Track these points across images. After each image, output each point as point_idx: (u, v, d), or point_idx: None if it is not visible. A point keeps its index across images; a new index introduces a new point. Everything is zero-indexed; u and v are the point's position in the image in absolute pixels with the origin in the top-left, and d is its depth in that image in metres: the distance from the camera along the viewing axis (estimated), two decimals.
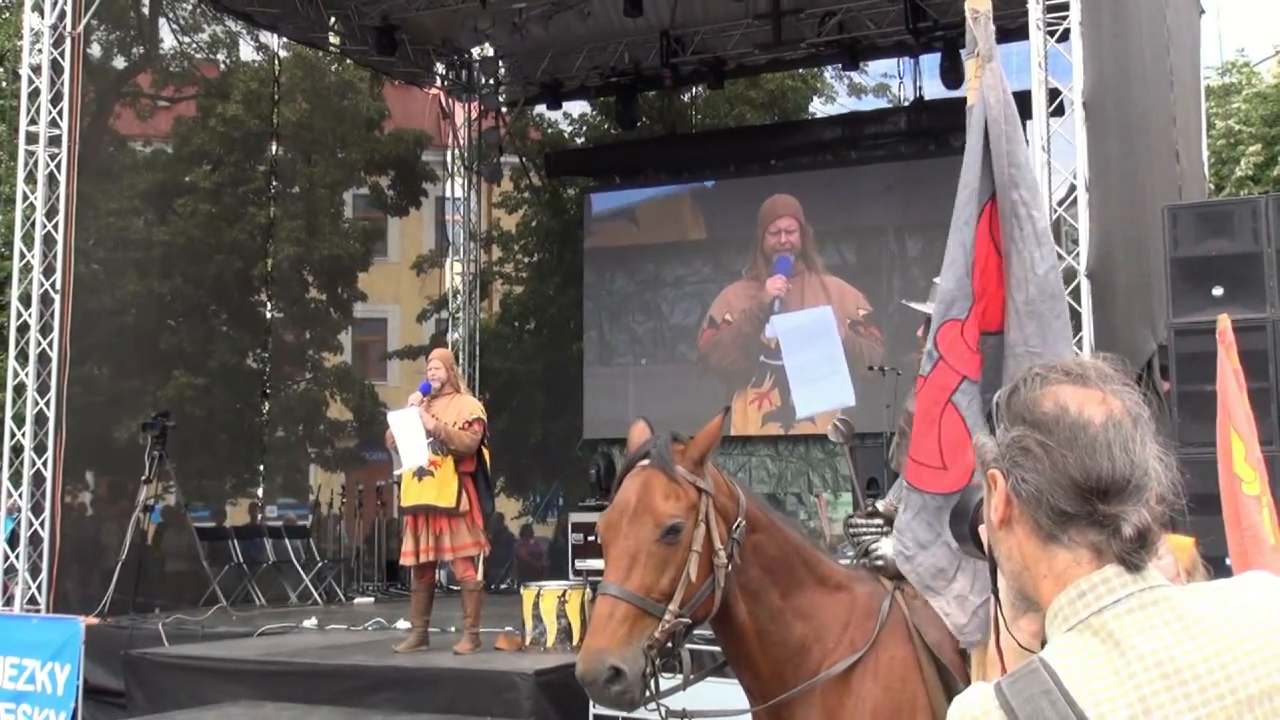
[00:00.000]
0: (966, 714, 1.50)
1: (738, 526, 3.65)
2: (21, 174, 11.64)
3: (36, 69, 11.64)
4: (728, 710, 4.12)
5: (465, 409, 8.65)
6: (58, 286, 11.35)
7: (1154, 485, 1.54)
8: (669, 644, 3.47)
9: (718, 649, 3.93)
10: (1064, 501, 1.53)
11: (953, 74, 14.85)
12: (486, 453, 8.83)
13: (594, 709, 7.00)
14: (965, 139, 2.97)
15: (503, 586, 14.88)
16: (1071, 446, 1.53)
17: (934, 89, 15.62)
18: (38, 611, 10.80)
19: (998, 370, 2.80)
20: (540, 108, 18.82)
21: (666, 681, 3.58)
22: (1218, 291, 7.58)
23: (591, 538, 12.90)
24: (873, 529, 4.26)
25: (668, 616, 3.44)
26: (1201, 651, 1.47)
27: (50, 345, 11.30)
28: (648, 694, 3.44)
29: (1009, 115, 2.84)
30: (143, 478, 11.81)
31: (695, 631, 3.69)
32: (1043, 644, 1.56)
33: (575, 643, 8.19)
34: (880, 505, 4.46)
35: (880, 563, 4.09)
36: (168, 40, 17.52)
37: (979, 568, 2.74)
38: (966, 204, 2.81)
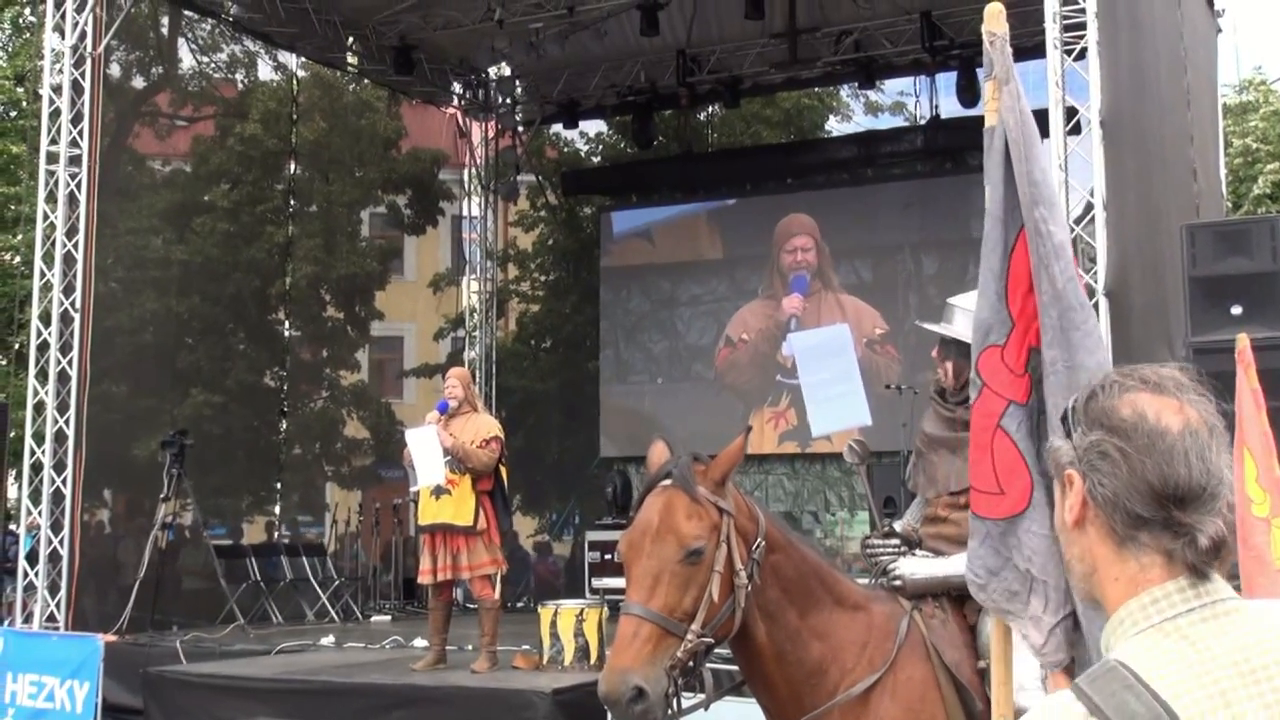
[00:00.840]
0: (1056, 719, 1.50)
1: (757, 547, 3.65)
2: (42, 193, 11.71)
3: (57, 89, 11.72)
4: None
5: (483, 427, 8.66)
6: (77, 305, 11.41)
7: (1228, 494, 1.56)
8: (691, 664, 3.47)
9: (736, 668, 3.93)
10: (1140, 506, 1.55)
11: (969, 92, 14.85)
12: (504, 471, 8.83)
13: None
14: (983, 160, 2.98)
15: (519, 605, 14.87)
16: (1150, 453, 1.55)
17: (950, 107, 15.63)
18: (56, 629, 10.83)
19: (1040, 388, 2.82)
20: (557, 127, 18.87)
21: (687, 701, 3.58)
22: (1236, 310, 7.56)
23: (609, 556, 12.90)
24: (889, 549, 4.26)
25: (690, 636, 3.44)
26: (1276, 654, 1.48)
27: (70, 364, 11.36)
28: (669, 713, 3.45)
29: (1027, 135, 2.85)
30: (161, 495, 11.85)
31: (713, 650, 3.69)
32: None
33: (593, 661, 8.18)
34: (897, 525, 4.46)
35: (898, 582, 4.09)
36: (186, 60, 17.65)
37: (1049, 588, 2.75)
38: (992, 230, 2.83)
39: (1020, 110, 2.83)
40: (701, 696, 3.66)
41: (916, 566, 4.11)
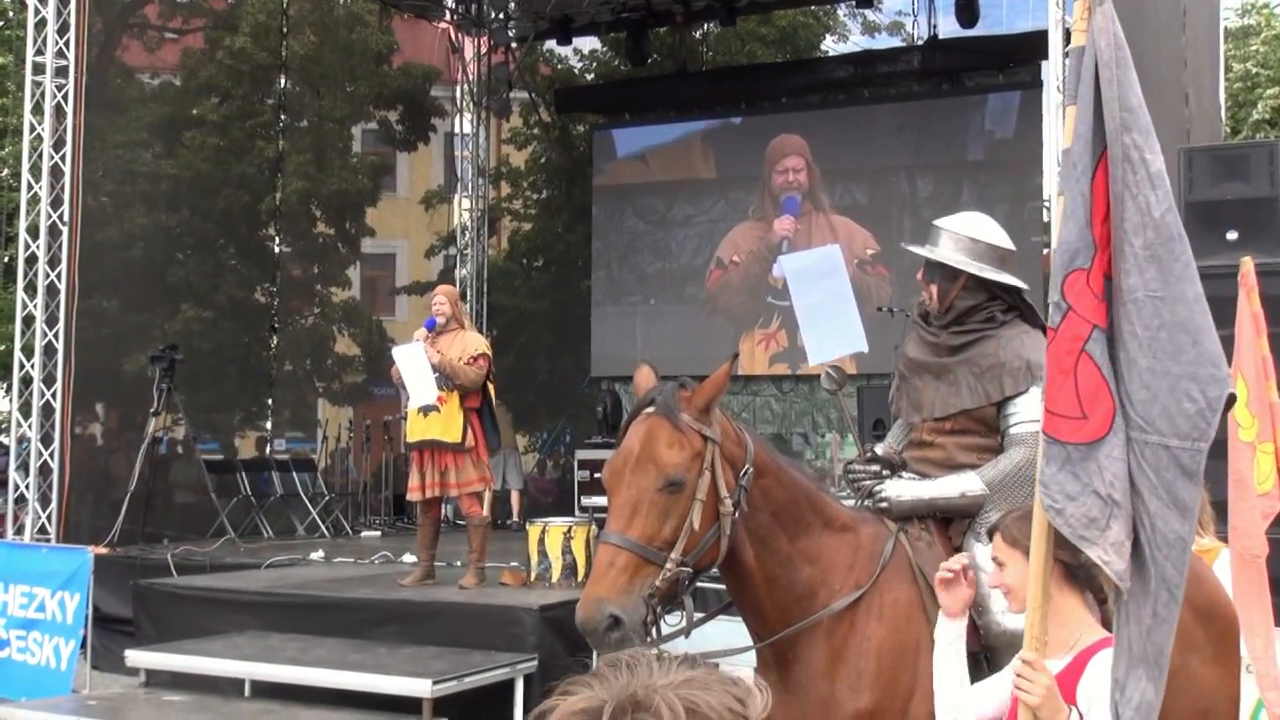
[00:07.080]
0: None
1: (745, 473, 3.64)
2: (29, 105, 11.56)
3: None
4: (733, 649, 4.14)
5: (470, 344, 8.63)
6: (65, 218, 11.33)
7: None
8: (672, 592, 3.48)
9: (725, 588, 3.94)
10: None
11: (968, 12, 14.68)
12: (492, 388, 8.82)
13: None
14: (1065, 81, 2.92)
15: (509, 522, 14.94)
16: None
17: (949, 27, 15.45)
18: (47, 541, 10.86)
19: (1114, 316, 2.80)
20: (550, 43, 18.67)
21: (668, 627, 3.58)
22: (1232, 236, 7.52)
23: (598, 475, 12.94)
24: (869, 474, 4.25)
25: (669, 565, 3.44)
26: None
27: (59, 277, 11.30)
28: (649, 640, 3.45)
29: (1120, 59, 2.79)
30: (151, 410, 11.84)
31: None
32: None
33: (579, 579, 8.22)
34: (879, 449, 4.45)
35: (884, 505, 4.10)
36: None
37: (1125, 514, 2.73)
38: (1082, 154, 2.79)
39: (1115, 34, 2.78)
40: (684, 621, 3.66)
41: (903, 489, 4.10)
